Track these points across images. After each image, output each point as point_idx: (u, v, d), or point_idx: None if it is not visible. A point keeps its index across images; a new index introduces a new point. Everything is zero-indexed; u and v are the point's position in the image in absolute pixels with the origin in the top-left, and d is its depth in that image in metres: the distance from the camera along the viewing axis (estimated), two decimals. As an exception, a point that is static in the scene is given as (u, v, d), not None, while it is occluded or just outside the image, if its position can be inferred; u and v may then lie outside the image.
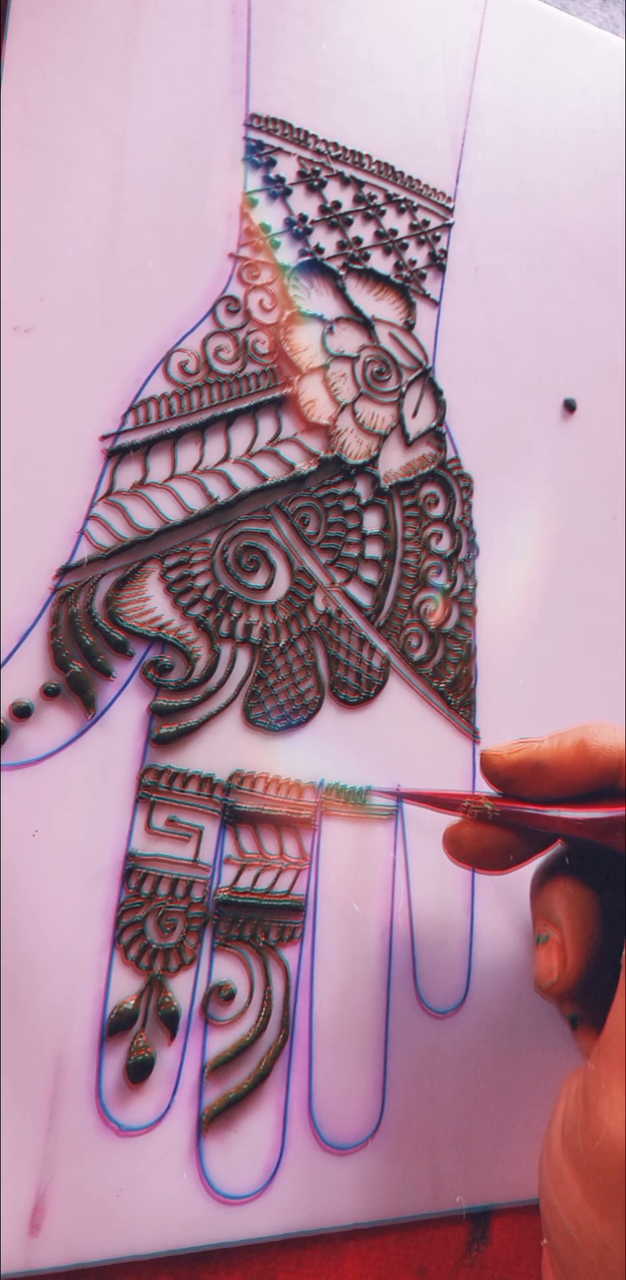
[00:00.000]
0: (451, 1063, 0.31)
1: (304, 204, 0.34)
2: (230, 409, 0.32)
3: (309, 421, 0.33)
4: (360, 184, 0.35)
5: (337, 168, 0.35)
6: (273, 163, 0.34)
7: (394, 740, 0.32)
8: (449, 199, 0.37)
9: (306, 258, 0.34)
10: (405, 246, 0.35)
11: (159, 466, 0.31)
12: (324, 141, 0.34)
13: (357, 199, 0.35)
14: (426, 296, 0.36)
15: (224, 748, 0.30)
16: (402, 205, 0.36)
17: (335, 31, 0.35)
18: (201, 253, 0.32)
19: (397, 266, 0.35)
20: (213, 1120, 0.28)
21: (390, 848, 0.32)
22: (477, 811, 0.27)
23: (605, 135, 0.40)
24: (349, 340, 0.34)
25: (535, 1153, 0.32)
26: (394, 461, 0.34)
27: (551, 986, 0.25)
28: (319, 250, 0.34)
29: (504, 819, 0.26)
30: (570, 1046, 0.33)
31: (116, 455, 0.30)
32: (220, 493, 0.31)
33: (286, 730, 0.31)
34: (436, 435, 0.35)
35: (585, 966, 0.25)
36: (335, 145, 0.35)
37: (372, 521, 0.33)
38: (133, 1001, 0.27)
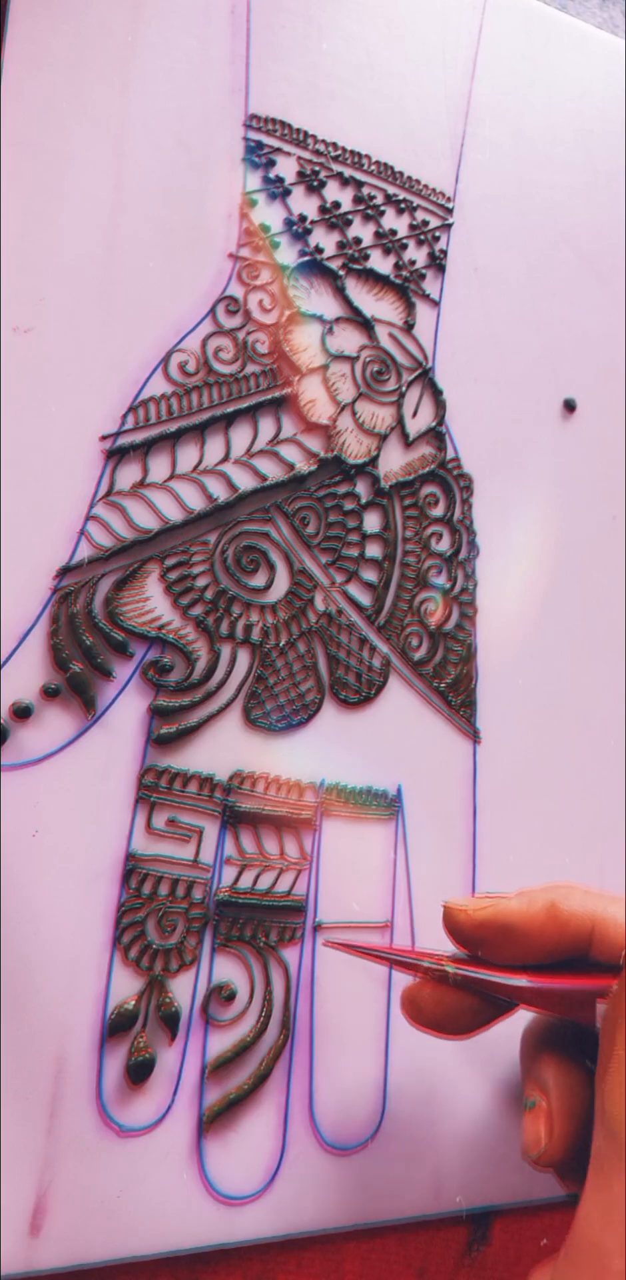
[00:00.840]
0: (452, 1063, 0.31)
1: (303, 204, 0.34)
2: (230, 409, 0.32)
3: (309, 421, 0.33)
4: (360, 184, 0.35)
5: (337, 168, 0.35)
6: (272, 163, 0.34)
7: (394, 740, 0.32)
8: (448, 199, 0.37)
9: (306, 258, 0.34)
10: (405, 246, 0.35)
11: (159, 467, 0.31)
12: (323, 141, 0.35)
13: (357, 199, 0.35)
14: (426, 296, 0.36)
15: (224, 748, 0.30)
16: (402, 205, 0.36)
17: (335, 31, 0.35)
18: (201, 253, 0.32)
19: (397, 266, 0.35)
20: (213, 1121, 0.28)
21: (390, 848, 0.32)
22: (437, 975, 0.25)
23: (604, 136, 0.40)
24: (349, 340, 0.34)
25: (536, 1153, 0.32)
26: (394, 461, 0.34)
27: (539, 1157, 0.24)
28: (318, 250, 0.34)
29: (465, 984, 0.25)
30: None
31: (116, 455, 0.30)
32: (220, 493, 0.31)
33: (287, 730, 0.31)
34: (436, 435, 0.35)
35: (573, 1137, 0.24)
36: (334, 145, 0.35)
37: (373, 521, 0.33)
38: (133, 1002, 0.27)
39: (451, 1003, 0.25)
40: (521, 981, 0.24)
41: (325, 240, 0.34)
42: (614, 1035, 0.20)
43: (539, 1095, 0.25)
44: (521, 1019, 0.27)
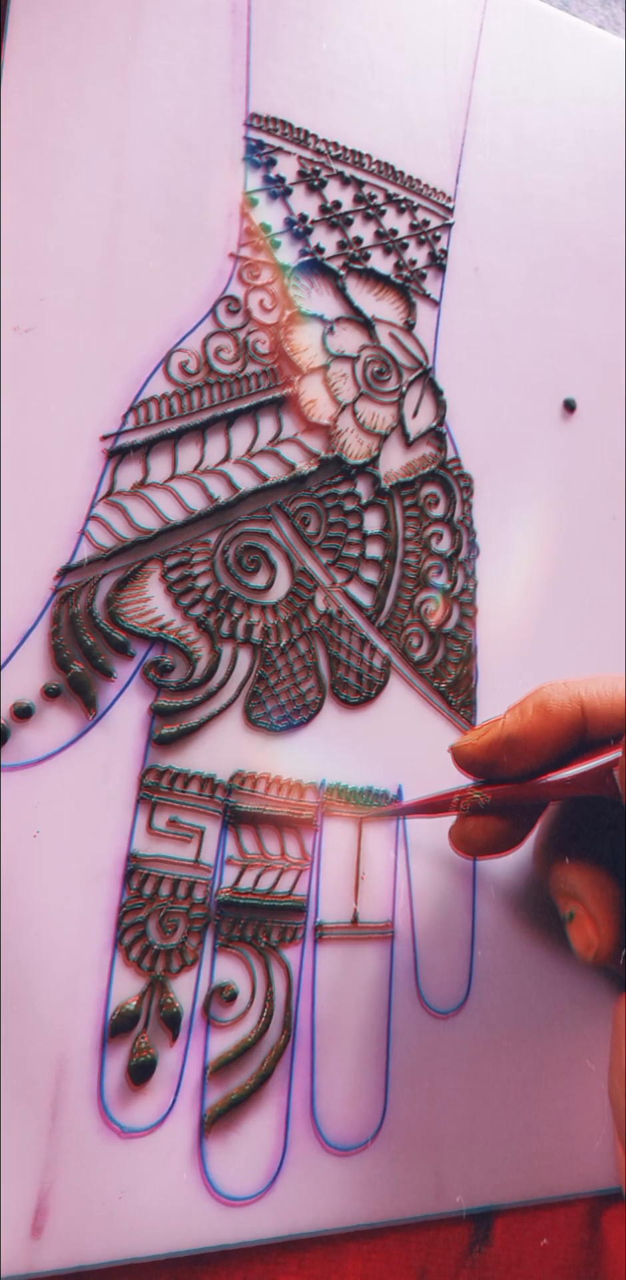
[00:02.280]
0: (453, 1063, 0.31)
1: (304, 204, 0.34)
2: (231, 409, 0.32)
3: (309, 421, 0.33)
4: (360, 184, 0.35)
5: (337, 167, 0.35)
6: (273, 162, 0.34)
7: (395, 740, 0.32)
8: (449, 199, 0.37)
9: (306, 258, 0.34)
10: (405, 246, 0.35)
11: (159, 467, 0.31)
12: (324, 141, 0.34)
13: (358, 199, 0.35)
14: (426, 296, 0.36)
15: (225, 748, 0.30)
16: (402, 205, 0.36)
17: (335, 31, 0.35)
18: (201, 253, 0.32)
19: (398, 266, 0.35)
20: (215, 1121, 0.28)
21: (391, 848, 0.32)
22: (469, 806, 0.27)
23: (605, 136, 0.40)
24: (349, 340, 0.34)
25: (537, 1153, 0.32)
26: (394, 461, 0.34)
27: (595, 957, 0.26)
28: (319, 250, 0.34)
29: (497, 805, 0.27)
30: (572, 1047, 0.33)
31: (117, 455, 0.30)
32: (221, 493, 0.31)
33: (287, 730, 0.31)
34: (436, 435, 0.35)
35: (618, 927, 0.26)
36: (335, 145, 0.35)
37: (373, 521, 0.33)
38: (134, 1003, 0.27)
39: (495, 826, 0.27)
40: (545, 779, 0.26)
41: (326, 240, 0.34)
42: None
43: (574, 905, 0.27)
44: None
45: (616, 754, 0.25)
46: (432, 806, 0.29)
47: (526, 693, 0.35)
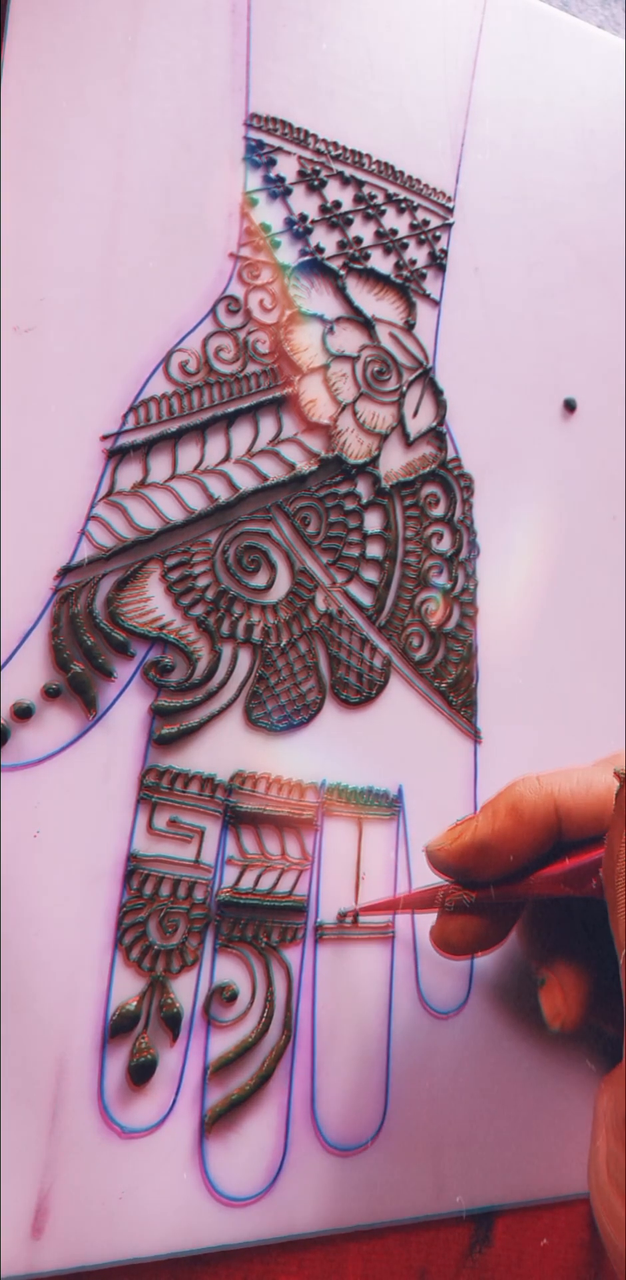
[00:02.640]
0: (454, 1064, 0.31)
1: (304, 203, 0.34)
2: (231, 409, 0.32)
3: (309, 421, 0.33)
4: (360, 183, 0.35)
5: (337, 167, 0.35)
6: (273, 162, 0.34)
7: (395, 740, 0.32)
8: (449, 199, 0.37)
9: (306, 257, 0.34)
10: (405, 246, 0.35)
11: (160, 466, 0.31)
12: (324, 141, 0.34)
13: (358, 199, 0.35)
14: (426, 296, 0.36)
15: (225, 748, 0.30)
16: (402, 205, 0.36)
17: (335, 31, 0.35)
18: (201, 253, 0.32)
19: (398, 266, 0.35)
20: (215, 1122, 0.28)
21: (391, 848, 0.32)
22: (453, 905, 0.27)
23: (605, 135, 0.40)
24: (349, 340, 0.34)
25: (538, 1153, 0.32)
26: (394, 461, 0.34)
27: (562, 1026, 0.26)
28: (319, 250, 0.34)
29: (482, 904, 0.26)
30: (573, 1047, 0.33)
31: (117, 455, 0.30)
32: (221, 493, 0.31)
33: (288, 730, 0.31)
34: (437, 435, 0.35)
35: (586, 997, 0.26)
36: (335, 145, 0.35)
37: (373, 521, 0.33)
38: (135, 1003, 0.27)
39: (475, 926, 0.27)
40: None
41: (326, 240, 0.34)
42: (613, 880, 0.22)
43: (546, 972, 0.27)
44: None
45: (598, 855, 0.24)
46: (419, 902, 0.29)
47: (525, 692, 0.35)
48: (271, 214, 0.33)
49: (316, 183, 0.34)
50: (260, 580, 0.31)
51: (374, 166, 0.35)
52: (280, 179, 0.34)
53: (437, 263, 0.36)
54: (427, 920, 0.32)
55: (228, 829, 0.30)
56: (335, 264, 0.34)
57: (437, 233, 0.36)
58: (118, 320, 0.31)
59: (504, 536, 0.36)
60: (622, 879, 0.21)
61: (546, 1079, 0.32)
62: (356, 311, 0.34)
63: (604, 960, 0.27)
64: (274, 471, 0.32)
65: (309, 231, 0.34)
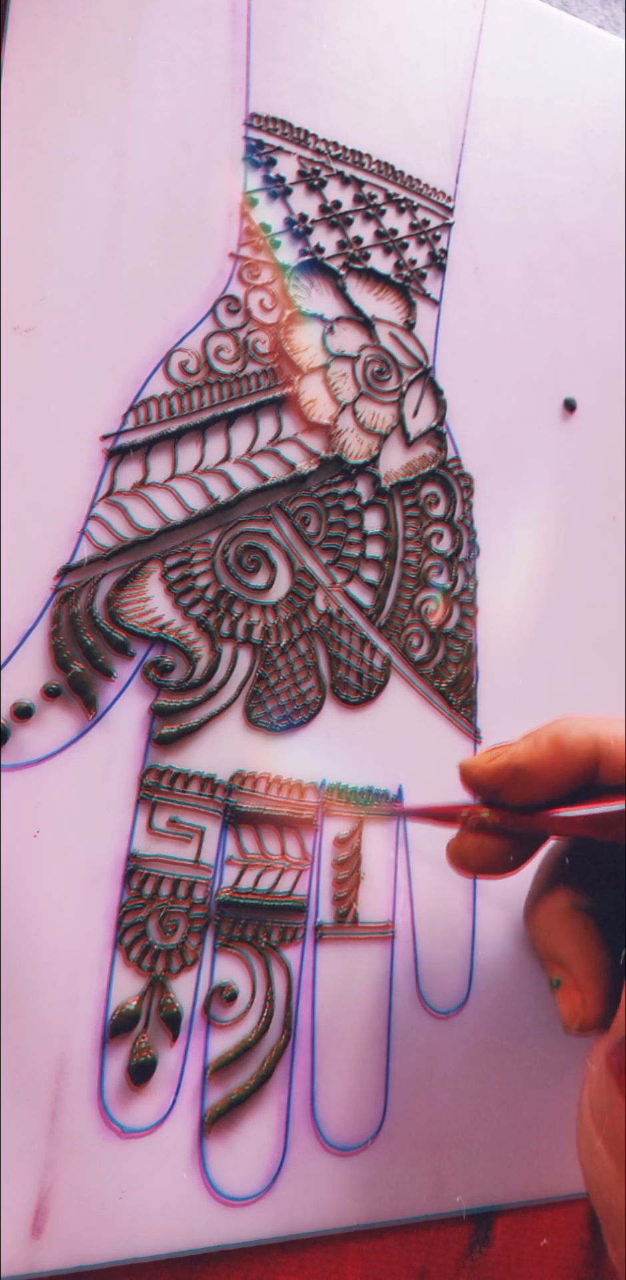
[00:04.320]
0: (453, 1063, 0.31)
1: (304, 203, 0.34)
2: (231, 409, 0.32)
3: (309, 421, 0.33)
4: (360, 183, 0.35)
5: (337, 167, 0.35)
6: (273, 162, 0.34)
7: (395, 740, 0.32)
8: (449, 198, 0.37)
9: (306, 257, 0.34)
10: (405, 246, 0.35)
11: (160, 466, 0.31)
12: (324, 141, 0.34)
13: (358, 198, 0.35)
14: (426, 296, 0.36)
15: (225, 748, 0.30)
16: (402, 205, 0.36)
17: (335, 31, 0.35)
18: (201, 252, 0.32)
19: (398, 266, 0.35)
20: (215, 1121, 0.28)
21: (391, 848, 0.32)
22: (476, 823, 0.27)
23: (605, 136, 0.40)
24: (349, 340, 0.34)
25: (538, 1153, 0.32)
26: (394, 461, 0.34)
27: (580, 1029, 0.26)
28: (319, 250, 0.34)
29: (501, 826, 0.26)
30: (573, 1047, 0.33)
31: (117, 455, 0.30)
32: (221, 492, 0.31)
33: (288, 730, 0.31)
34: (437, 435, 0.35)
35: (604, 995, 0.26)
36: (335, 145, 0.35)
37: (373, 521, 0.33)
38: (134, 1003, 0.27)
39: (492, 847, 0.27)
40: (553, 814, 0.26)
41: (326, 239, 0.34)
42: None
43: (560, 972, 0.26)
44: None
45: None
46: (437, 814, 0.28)
47: (525, 692, 0.35)
48: (271, 214, 0.33)
49: (316, 183, 0.34)
50: (260, 580, 0.31)
51: (374, 166, 0.35)
52: (280, 179, 0.34)
53: (437, 263, 0.36)
54: (428, 922, 0.32)
55: (227, 829, 0.30)
56: (335, 264, 0.34)
57: (437, 233, 0.36)
58: (118, 320, 0.31)
59: (504, 536, 0.36)
60: None
61: (546, 1079, 0.32)
62: (356, 311, 0.34)
63: (619, 950, 0.27)
64: (274, 471, 0.32)
65: (309, 231, 0.34)
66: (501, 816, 0.26)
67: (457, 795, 0.33)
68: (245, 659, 0.31)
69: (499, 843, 0.27)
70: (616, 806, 0.25)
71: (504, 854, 0.27)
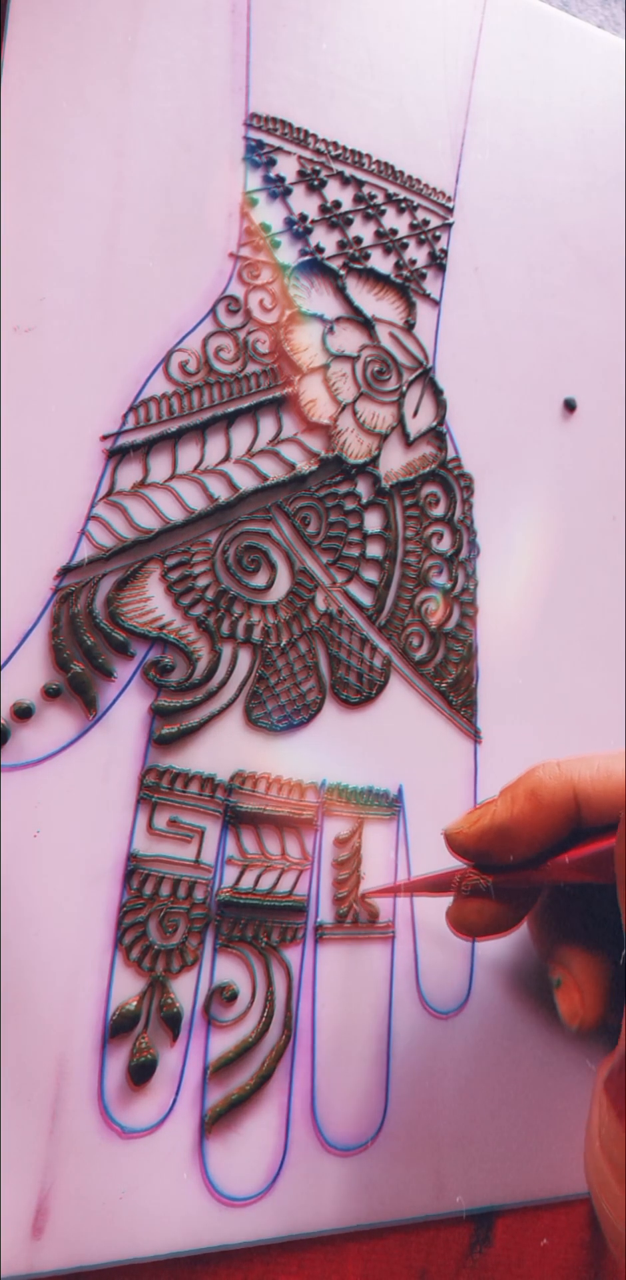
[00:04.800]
0: (454, 1063, 0.31)
1: (304, 203, 0.34)
2: (231, 409, 0.32)
3: (309, 421, 0.33)
4: (360, 183, 0.35)
5: (337, 167, 0.35)
6: (273, 162, 0.34)
7: (395, 740, 0.32)
8: (449, 198, 0.37)
9: (306, 257, 0.34)
10: (405, 246, 0.35)
11: (160, 466, 0.31)
12: (324, 141, 0.34)
13: (357, 198, 0.35)
14: (426, 296, 0.36)
15: (225, 748, 0.30)
16: (402, 205, 0.36)
17: (335, 31, 0.35)
18: (201, 253, 0.32)
19: (398, 266, 0.35)
20: (215, 1122, 0.28)
21: (391, 848, 0.32)
22: (469, 888, 0.27)
23: (605, 136, 0.40)
24: (349, 340, 0.34)
25: (538, 1153, 0.32)
26: (394, 461, 0.34)
27: (579, 1028, 0.26)
28: (319, 250, 0.34)
29: (497, 887, 0.26)
30: (573, 1047, 0.33)
31: (117, 455, 0.30)
32: (221, 493, 0.31)
33: (288, 730, 0.31)
34: (437, 435, 0.35)
35: (604, 997, 0.26)
36: (335, 145, 0.35)
37: (373, 521, 0.33)
38: (135, 1003, 0.27)
39: (492, 909, 0.27)
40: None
41: (325, 240, 0.34)
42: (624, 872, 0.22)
43: (562, 971, 0.27)
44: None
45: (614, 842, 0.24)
46: (434, 885, 0.28)
47: (525, 692, 0.35)
48: (271, 214, 0.33)
49: (316, 183, 0.34)
50: (260, 580, 0.31)
51: (374, 166, 0.35)
52: (280, 179, 0.34)
53: (437, 263, 0.36)
54: (428, 917, 0.32)
55: (228, 829, 0.30)
56: (335, 264, 0.34)
57: (437, 233, 0.36)
58: (118, 320, 0.31)
59: (504, 536, 0.36)
60: None
61: (547, 1079, 0.32)
62: (356, 311, 0.34)
63: (619, 953, 0.27)
64: (274, 471, 0.32)
65: (309, 231, 0.34)
66: (494, 877, 0.26)
67: (459, 798, 0.33)
68: (245, 659, 0.31)
69: (496, 904, 0.27)
70: (604, 846, 0.25)
71: (505, 912, 0.27)
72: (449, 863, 0.32)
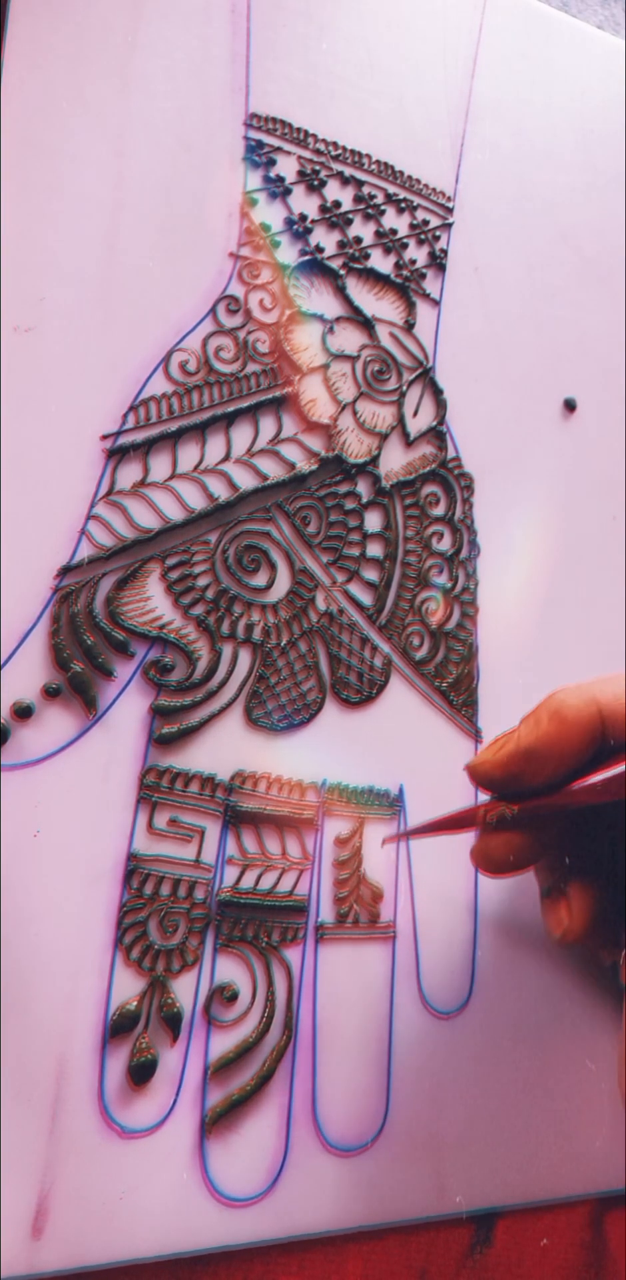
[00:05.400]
0: (455, 1064, 0.31)
1: (304, 203, 0.34)
2: (231, 408, 0.32)
3: (309, 421, 0.33)
4: (360, 183, 0.35)
5: (337, 167, 0.35)
6: (272, 162, 0.34)
7: (396, 740, 0.32)
8: (449, 198, 0.37)
9: (306, 257, 0.34)
10: (405, 246, 0.35)
11: (160, 466, 0.31)
12: (324, 141, 0.34)
13: (357, 198, 0.35)
14: (426, 296, 0.36)
15: (226, 748, 0.30)
16: (402, 205, 0.36)
17: (335, 31, 0.35)
18: (201, 252, 0.32)
19: (398, 266, 0.35)
20: (215, 1122, 0.28)
21: (392, 847, 0.32)
22: (495, 819, 0.26)
23: (604, 136, 0.40)
24: (349, 340, 0.34)
25: (538, 1154, 0.32)
26: (395, 461, 0.34)
27: (563, 936, 0.25)
28: (319, 250, 0.34)
29: (524, 816, 0.26)
30: (573, 1047, 0.33)
31: (117, 455, 0.30)
32: (221, 492, 0.31)
33: (288, 730, 0.31)
34: (437, 434, 0.35)
35: (592, 911, 0.25)
36: (335, 145, 0.35)
37: (374, 521, 0.33)
38: (135, 1003, 0.27)
39: (519, 841, 0.26)
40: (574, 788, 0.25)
41: (325, 239, 0.34)
42: None
43: (553, 883, 0.26)
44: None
45: None
46: (453, 823, 0.27)
47: (526, 692, 0.35)
48: (271, 214, 0.33)
49: (316, 183, 0.34)
50: (260, 580, 0.31)
51: (374, 166, 0.35)
52: (280, 179, 0.34)
53: (437, 262, 0.36)
54: (429, 917, 0.32)
55: (228, 828, 0.30)
56: (335, 264, 0.34)
57: (437, 232, 0.36)
58: (118, 320, 0.31)
59: (504, 536, 0.36)
60: None
61: (546, 1080, 0.32)
62: (356, 311, 0.34)
63: (616, 877, 0.27)
64: (274, 471, 0.32)
65: (309, 231, 0.34)
66: (520, 806, 0.26)
67: (459, 797, 0.33)
68: (245, 659, 0.31)
69: (521, 837, 0.26)
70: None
71: (530, 844, 0.26)
72: (443, 874, 0.32)
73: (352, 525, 0.33)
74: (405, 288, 0.35)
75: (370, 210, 0.35)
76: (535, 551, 0.36)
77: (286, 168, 0.34)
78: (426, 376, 0.35)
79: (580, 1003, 0.33)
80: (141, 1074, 0.27)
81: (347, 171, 0.35)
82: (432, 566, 0.34)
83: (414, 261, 0.35)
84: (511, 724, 0.34)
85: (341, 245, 0.34)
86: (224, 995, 0.28)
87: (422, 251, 0.36)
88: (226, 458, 0.31)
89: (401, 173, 0.36)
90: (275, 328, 0.33)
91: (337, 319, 0.34)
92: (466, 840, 0.33)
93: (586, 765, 0.25)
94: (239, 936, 0.29)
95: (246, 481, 0.31)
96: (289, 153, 0.34)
